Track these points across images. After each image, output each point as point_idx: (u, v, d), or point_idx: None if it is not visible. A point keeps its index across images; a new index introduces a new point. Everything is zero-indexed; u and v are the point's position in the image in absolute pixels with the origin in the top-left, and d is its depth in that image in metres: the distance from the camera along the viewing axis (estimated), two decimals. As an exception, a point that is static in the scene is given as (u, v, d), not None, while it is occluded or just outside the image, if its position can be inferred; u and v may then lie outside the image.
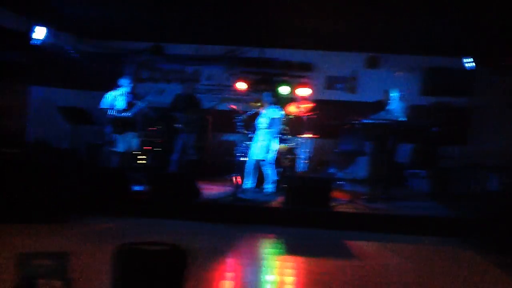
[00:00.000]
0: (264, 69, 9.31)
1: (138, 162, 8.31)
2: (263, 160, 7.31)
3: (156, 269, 2.81)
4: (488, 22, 6.47)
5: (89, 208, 6.27)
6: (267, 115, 7.35)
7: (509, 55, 7.96)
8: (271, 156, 7.34)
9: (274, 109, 7.40)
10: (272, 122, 7.31)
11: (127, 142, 7.38)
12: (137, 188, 6.97)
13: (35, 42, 7.63)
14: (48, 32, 7.77)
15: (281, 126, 7.52)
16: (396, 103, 7.26)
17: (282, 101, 8.96)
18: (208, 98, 9.29)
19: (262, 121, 7.36)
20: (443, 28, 7.02)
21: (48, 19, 7.57)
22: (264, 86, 8.63)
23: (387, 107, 7.25)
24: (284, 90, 8.85)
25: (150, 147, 8.49)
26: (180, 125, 7.69)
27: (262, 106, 7.55)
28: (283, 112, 7.65)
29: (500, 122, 8.99)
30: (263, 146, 7.26)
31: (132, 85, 7.42)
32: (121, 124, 7.26)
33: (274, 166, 7.41)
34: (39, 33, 7.61)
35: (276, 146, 7.37)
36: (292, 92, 8.96)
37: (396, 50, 8.96)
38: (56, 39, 8.26)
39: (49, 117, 8.48)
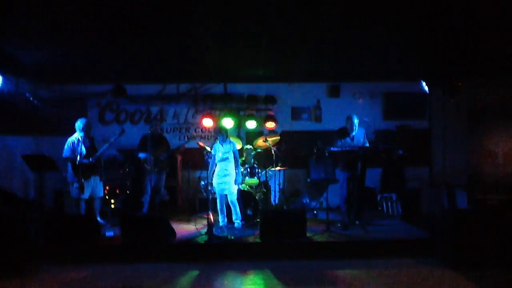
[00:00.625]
0: (229, 104, 9.37)
1: (107, 206, 8.10)
2: (230, 195, 7.25)
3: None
4: (437, 47, 6.80)
5: (59, 258, 6.04)
6: (225, 148, 7.34)
7: (458, 77, 8.38)
8: (236, 189, 7.30)
9: (229, 141, 7.38)
10: (231, 155, 7.32)
11: (92, 187, 7.19)
12: (108, 233, 6.76)
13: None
14: (4, 79, 7.59)
15: (239, 159, 7.49)
16: (357, 129, 7.41)
17: (248, 135, 9.08)
18: (176, 137, 9.30)
19: (221, 156, 7.33)
20: (397, 55, 7.30)
21: (3, 66, 7.40)
22: (229, 121, 8.64)
23: (351, 134, 7.39)
24: (250, 124, 8.91)
25: (119, 190, 8.31)
26: (149, 166, 7.56)
27: (216, 142, 7.50)
28: (238, 145, 7.68)
29: (458, 140, 9.37)
30: (226, 180, 7.23)
31: (86, 128, 7.22)
32: (84, 169, 7.06)
33: (239, 199, 7.36)
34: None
35: (237, 177, 7.34)
36: (259, 125, 9.03)
37: (355, 78, 9.23)
38: (13, 86, 8.09)
39: (11, 166, 8.22)
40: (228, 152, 7.27)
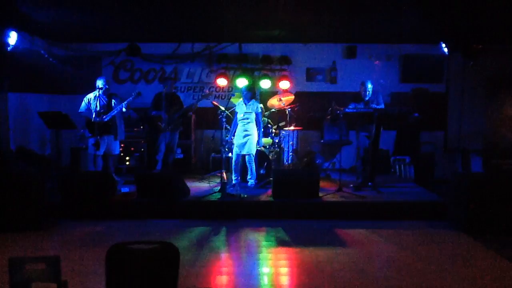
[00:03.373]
0: (243, 64, 9.28)
1: (122, 163, 8.23)
2: (248, 155, 7.30)
3: (149, 268, 2.78)
4: (459, 8, 6.57)
5: (75, 213, 6.19)
6: (248, 109, 7.34)
7: (479, 39, 8.14)
8: (255, 150, 7.35)
9: (253, 102, 7.38)
10: (253, 116, 7.32)
11: (107, 144, 7.28)
12: (123, 189, 6.89)
13: (8, 48, 7.48)
14: (20, 37, 7.60)
15: (262, 119, 7.52)
16: (372, 93, 7.26)
17: (262, 95, 9.03)
18: (190, 96, 9.29)
19: (243, 116, 7.34)
20: (416, 16, 7.09)
21: (19, 24, 7.39)
22: (244, 81, 8.59)
23: (366, 99, 7.26)
24: (264, 84, 8.82)
25: (134, 148, 8.41)
26: (162, 124, 7.61)
27: (240, 100, 7.51)
28: (261, 105, 7.66)
29: (476, 105, 9.20)
30: (247, 140, 7.25)
31: (107, 86, 7.29)
32: (100, 126, 7.15)
33: (256, 159, 7.41)
34: (11, 38, 7.46)
35: (259, 139, 7.36)
36: (274, 85, 8.95)
37: (372, 40, 9.03)
38: (29, 44, 8.11)
39: (29, 124, 8.35)
40: (250, 112, 7.28)
